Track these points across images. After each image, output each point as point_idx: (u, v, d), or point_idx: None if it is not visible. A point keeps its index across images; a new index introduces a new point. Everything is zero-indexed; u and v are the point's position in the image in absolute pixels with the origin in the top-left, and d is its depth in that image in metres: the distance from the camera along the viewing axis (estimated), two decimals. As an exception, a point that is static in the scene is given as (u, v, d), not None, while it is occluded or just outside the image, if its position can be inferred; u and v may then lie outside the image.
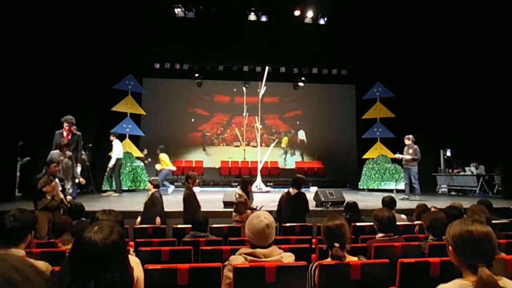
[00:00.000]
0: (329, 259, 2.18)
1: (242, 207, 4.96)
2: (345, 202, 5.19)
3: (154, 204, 5.24)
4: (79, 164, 6.23)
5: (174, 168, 10.84)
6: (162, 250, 2.82)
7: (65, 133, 6.09)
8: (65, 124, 6.11)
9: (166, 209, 5.82)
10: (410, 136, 8.65)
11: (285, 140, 14.90)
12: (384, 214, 3.05)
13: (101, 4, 9.49)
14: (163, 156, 10.33)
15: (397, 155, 8.90)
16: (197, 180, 5.70)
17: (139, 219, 5.22)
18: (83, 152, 7.04)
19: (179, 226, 4.37)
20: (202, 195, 9.49)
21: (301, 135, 14.99)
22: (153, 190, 5.44)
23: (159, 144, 13.60)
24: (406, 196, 8.57)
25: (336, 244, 2.12)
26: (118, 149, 9.19)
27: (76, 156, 6.07)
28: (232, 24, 11.17)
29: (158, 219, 5.15)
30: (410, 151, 8.48)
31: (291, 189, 5.19)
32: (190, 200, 5.29)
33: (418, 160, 8.45)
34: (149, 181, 5.78)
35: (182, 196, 5.42)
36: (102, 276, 1.17)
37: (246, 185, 5.65)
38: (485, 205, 4.08)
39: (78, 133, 6.41)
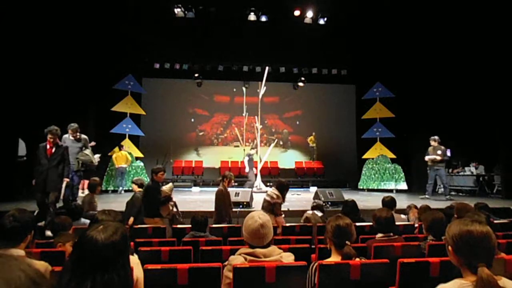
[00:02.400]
0: (333, 258, 2.19)
1: (279, 208, 4.77)
2: (344, 201, 5.11)
3: (133, 204, 5.18)
4: (65, 179, 5.51)
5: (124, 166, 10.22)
6: (162, 250, 2.82)
7: (48, 146, 5.33)
8: (49, 136, 5.29)
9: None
10: (436, 137, 8.49)
11: (311, 138, 14.79)
12: (382, 214, 3.06)
13: (101, 4, 9.49)
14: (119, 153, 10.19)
15: (431, 157, 8.47)
16: (232, 181, 5.54)
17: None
18: (87, 153, 6.75)
19: (179, 226, 4.37)
20: (202, 195, 9.51)
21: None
22: (137, 190, 5.41)
23: (159, 144, 13.58)
24: (427, 196, 8.49)
25: (348, 242, 2.17)
26: None
27: (61, 172, 5.40)
28: (232, 24, 11.17)
29: (131, 219, 5.04)
30: (439, 152, 8.33)
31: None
32: (220, 198, 5.27)
33: (446, 161, 8.37)
34: (132, 181, 5.75)
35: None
36: (99, 277, 1.16)
37: (283, 189, 5.01)
38: (481, 206, 4.10)
39: (65, 145, 5.72)
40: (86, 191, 9.23)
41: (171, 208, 5.21)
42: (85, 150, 6.70)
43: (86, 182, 9.33)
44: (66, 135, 6.48)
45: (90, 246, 1.20)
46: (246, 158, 10.99)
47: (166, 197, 5.06)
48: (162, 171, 5.15)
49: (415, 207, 5.14)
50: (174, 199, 5.27)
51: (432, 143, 8.52)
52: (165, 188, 5.21)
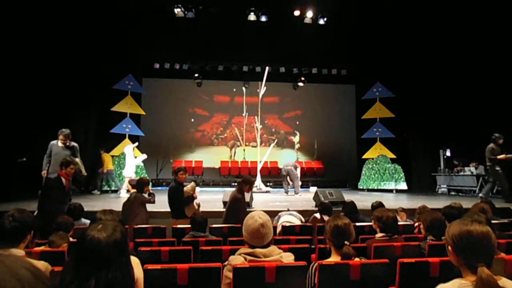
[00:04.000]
0: (332, 258, 2.19)
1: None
2: (344, 202, 5.05)
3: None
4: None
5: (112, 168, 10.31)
6: (161, 250, 2.82)
7: (63, 179, 4.64)
8: (71, 167, 4.70)
9: (161, 210, 5.80)
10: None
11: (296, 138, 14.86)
12: (389, 215, 3.03)
13: (101, 5, 9.49)
14: (107, 157, 10.22)
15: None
16: (247, 186, 5.24)
17: None
18: (77, 161, 6.45)
19: (179, 226, 4.36)
20: (202, 196, 9.50)
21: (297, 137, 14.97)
22: (133, 190, 5.37)
23: (159, 144, 13.53)
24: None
25: (346, 242, 2.16)
26: None
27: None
28: (231, 24, 11.17)
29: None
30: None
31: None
32: (235, 205, 5.01)
33: None
34: (128, 182, 5.72)
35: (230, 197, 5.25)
36: (103, 275, 1.17)
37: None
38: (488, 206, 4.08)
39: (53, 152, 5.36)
40: (124, 191, 9.26)
41: (197, 207, 5.16)
42: (75, 159, 6.07)
43: (128, 181, 9.26)
44: (54, 142, 6.04)
45: (92, 246, 1.20)
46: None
47: (189, 196, 5.01)
48: (182, 170, 5.08)
49: (403, 210, 5.20)
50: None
51: (500, 141, 7.75)
52: (187, 188, 5.11)
